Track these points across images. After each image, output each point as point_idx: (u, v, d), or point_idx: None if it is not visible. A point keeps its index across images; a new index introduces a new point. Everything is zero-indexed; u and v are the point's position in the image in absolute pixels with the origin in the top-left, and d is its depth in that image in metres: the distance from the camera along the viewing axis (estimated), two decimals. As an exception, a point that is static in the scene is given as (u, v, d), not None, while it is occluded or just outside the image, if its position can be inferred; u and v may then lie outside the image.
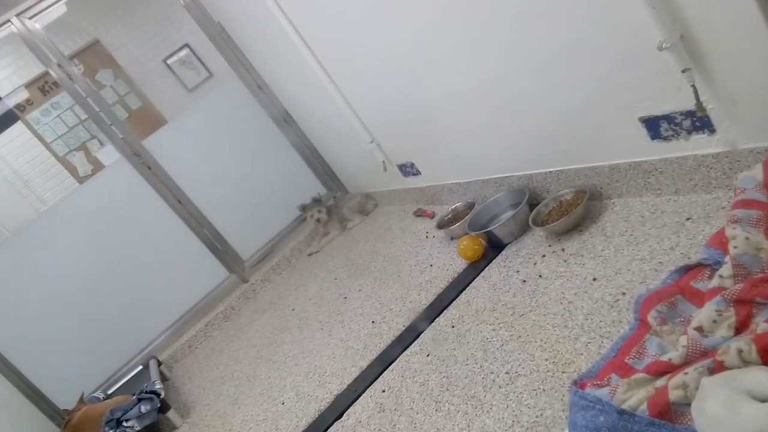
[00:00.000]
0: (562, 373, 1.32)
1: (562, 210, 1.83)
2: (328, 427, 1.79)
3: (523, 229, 1.97)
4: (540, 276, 1.70)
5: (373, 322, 2.18)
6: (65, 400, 2.98)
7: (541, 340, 1.46)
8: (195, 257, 3.43)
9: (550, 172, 1.99)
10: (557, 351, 1.39)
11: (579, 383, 1.01)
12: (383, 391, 1.76)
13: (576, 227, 1.78)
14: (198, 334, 3.34)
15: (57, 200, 3.30)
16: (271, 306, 3.12)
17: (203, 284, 3.47)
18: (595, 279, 1.52)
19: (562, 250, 1.74)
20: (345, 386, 1.94)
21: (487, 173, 2.30)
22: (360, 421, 1.70)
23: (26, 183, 5.43)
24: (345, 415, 1.78)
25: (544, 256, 1.78)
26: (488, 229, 2.00)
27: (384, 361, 1.89)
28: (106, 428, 2.42)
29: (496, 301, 1.75)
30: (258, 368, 2.54)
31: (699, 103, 1.37)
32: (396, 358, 1.85)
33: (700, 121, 1.44)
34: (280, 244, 3.58)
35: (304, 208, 3.57)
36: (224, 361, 2.88)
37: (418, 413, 1.55)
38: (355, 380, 1.93)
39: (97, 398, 2.93)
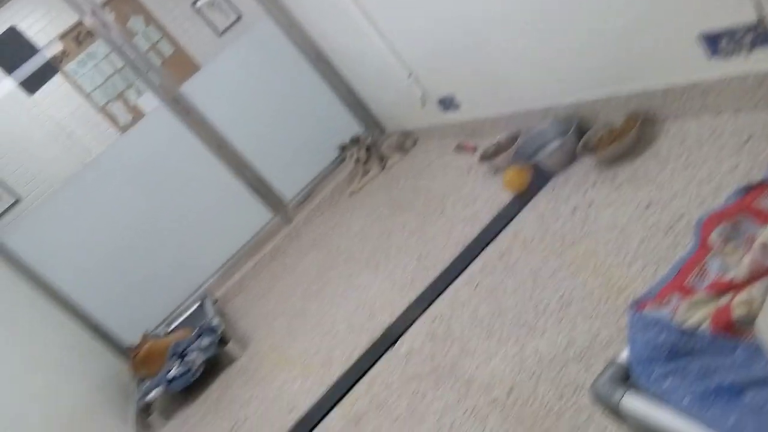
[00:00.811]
0: (616, 298, 1.33)
1: (612, 136, 1.78)
2: (382, 355, 1.87)
3: (572, 159, 1.94)
4: (590, 204, 1.68)
5: (419, 256, 2.22)
6: (130, 338, 3.18)
7: (594, 267, 1.46)
8: (239, 200, 3.50)
9: (599, 98, 1.93)
10: (610, 277, 1.39)
11: (638, 304, 1.02)
12: (434, 321, 1.81)
13: (628, 153, 1.74)
14: (247, 274, 3.46)
15: (100, 151, 3.37)
16: (316, 245, 3.19)
17: (249, 226, 3.56)
18: (649, 204, 1.50)
19: (614, 177, 1.71)
20: (395, 318, 2.00)
21: (532, 102, 2.24)
22: (413, 349, 1.77)
23: (69, 135, 5.56)
24: (397, 344, 1.85)
25: (594, 184, 1.76)
26: (535, 159, 1.97)
27: (433, 293, 1.94)
28: (171, 361, 2.58)
29: (545, 231, 1.75)
30: (308, 304, 2.63)
31: (762, 16, 1.29)
32: (444, 290, 1.89)
33: (762, 36, 1.36)
34: (320, 185, 3.61)
35: (343, 148, 3.58)
36: (275, 299, 2.99)
37: (470, 340, 1.60)
38: (405, 312, 1.98)
39: (158, 334, 3.11)
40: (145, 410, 2.71)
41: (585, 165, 1.88)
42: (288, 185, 3.59)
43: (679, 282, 1.04)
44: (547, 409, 1.23)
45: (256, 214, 3.55)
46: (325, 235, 3.20)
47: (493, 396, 1.36)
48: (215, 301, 3.27)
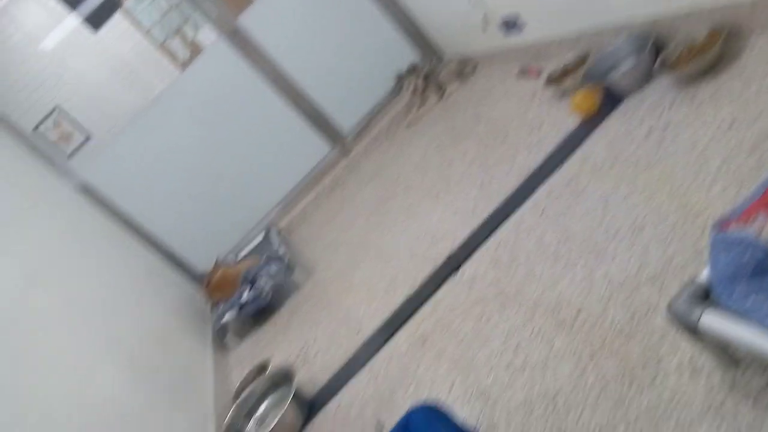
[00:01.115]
0: (693, 222, 1.29)
1: (693, 53, 1.67)
2: (445, 281, 1.90)
3: (647, 78, 1.83)
4: (667, 126, 1.60)
5: (481, 184, 2.20)
6: (202, 266, 3.36)
7: (669, 191, 1.41)
8: (298, 133, 3.53)
9: (679, 11, 1.79)
10: (687, 200, 1.34)
11: (721, 224, 0.98)
12: (497, 247, 1.81)
13: (710, 71, 1.63)
14: (308, 206, 3.55)
15: (163, 87, 3.45)
16: (375, 176, 3.21)
17: (308, 159, 3.61)
18: (732, 124, 1.41)
19: (693, 96, 1.61)
20: (457, 245, 2.02)
21: (603, 19, 2.11)
22: (476, 275, 1.79)
23: (132, 72, 5.69)
24: (461, 270, 1.88)
25: (671, 104, 1.66)
26: (606, 80, 1.87)
27: (496, 221, 1.93)
28: (243, 286, 2.73)
29: (617, 156, 1.69)
30: (369, 233, 2.68)
31: None
32: (508, 217, 1.88)
33: None
34: (378, 116, 3.59)
35: (400, 78, 3.51)
36: (336, 228, 3.06)
37: (535, 266, 1.60)
38: (468, 239, 2.00)
39: (229, 262, 3.27)
40: (220, 332, 2.91)
41: (661, 84, 1.78)
42: (345, 117, 3.59)
43: (766, 200, 1.00)
44: (616, 330, 1.23)
45: (314, 147, 3.59)
46: (384, 166, 3.21)
47: (560, 318, 1.37)
48: (279, 232, 3.39)
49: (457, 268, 1.90)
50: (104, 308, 2.24)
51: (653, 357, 1.12)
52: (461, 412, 1.38)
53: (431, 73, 3.39)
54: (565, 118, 2.06)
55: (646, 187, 1.50)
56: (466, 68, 3.27)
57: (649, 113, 1.71)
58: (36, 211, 2.43)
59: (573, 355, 1.27)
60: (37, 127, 3.14)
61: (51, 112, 3.18)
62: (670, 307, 0.94)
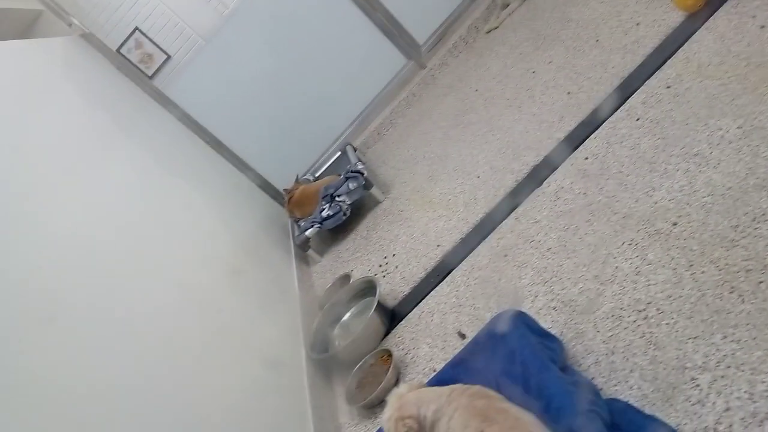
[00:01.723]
0: (817, 122, 1.16)
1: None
2: (529, 195, 1.85)
3: (767, -38, 1.61)
4: (790, 16, 1.42)
5: (568, 93, 2.08)
6: (282, 183, 3.47)
7: (789, 88, 1.27)
8: (373, 46, 3.44)
9: None
10: (811, 98, 1.20)
11: None
12: (586, 158, 1.73)
13: None
14: (384, 122, 3.52)
15: (236, 4, 3.42)
16: (452, 89, 3.11)
17: (383, 73, 3.53)
18: None
19: (825, -20, 1.41)
20: (542, 157, 1.95)
21: None
22: (562, 187, 1.73)
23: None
24: (545, 183, 1.82)
25: (797, -10, 1.46)
26: (717, -32, 1.66)
27: (584, 131, 1.83)
28: (323, 203, 2.80)
29: (725, 53, 1.53)
30: (448, 148, 2.64)
31: None
32: (599, 126, 1.78)
33: None
34: (455, 24, 3.41)
35: (478, -18, 3.30)
36: (413, 144, 3.03)
37: (628, 175, 1.52)
38: (553, 151, 1.92)
39: (308, 179, 3.35)
40: (302, 247, 3.02)
41: (784, -31, 1.56)
42: (421, 26, 3.45)
43: None
44: (718, 238, 1.16)
45: (389, 60, 3.49)
46: (462, 77, 3.10)
47: (654, 228, 1.31)
48: (356, 149, 3.40)
49: (541, 181, 1.84)
50: (198, 222, 2.38)
51: (758, 265, 1.06)
52: (545, 323, 1.38)
53: (513, -25, 3.16)
54: (666, 16, 1.87)
55: (758, 86, 1.36)
56: (551, -33, 3.00)
57: (763, 6, 1.52)
58: (132, 130, 2.56)
59: (668, 266, 1.21)
60: (120, 48, 3.24)
61: (132, 33, 3.26)
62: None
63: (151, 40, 3.34)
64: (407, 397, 1.19)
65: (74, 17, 3.08)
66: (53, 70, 2.33)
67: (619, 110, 1.74)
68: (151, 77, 3.36)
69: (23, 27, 3.01)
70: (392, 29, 3.40)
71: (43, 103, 1.95)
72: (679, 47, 1.70)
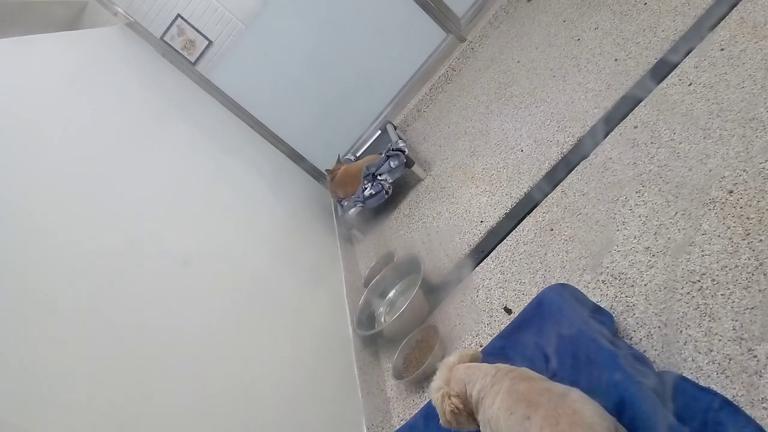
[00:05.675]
0: None
1: None
2: (574, 167, 1.81)
3: None
4: None
5: (615, 59, 2.01)
6: (323, 163, 3.50)
7: None
8: (410, 21, 3.39)
9: None
10: None
11: None
12: (635, 127, 1.67)
13: None
14: (424, 98, 3.48)
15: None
16: (493, 62, 3.04)
17: (422, 49, 3.49)
18: None
19: None
20: (588, 128, 1.90)
21: None
22: (610, 158, 1.68)
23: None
24: (593, 154, 1.77)
25: None
26: None
27: (634, 98, 1.77)
28: (365, 182, 2.81)
29: (786, 10, 1.44)
30: (489, 122, 2.59)
31: None
32: (649, 93, 1.71)
33: None
34: (495, -5, 3.33)
35: (518, -51, 3.20)
36: (454, 120, 3.00)
37: (680, 143, 1.46)
38: (600, 121, 1.86)
39: (350, 159, 3.37)
40: (346, 225, 3.06)
41: None
42: (460, -2, 3.38)
43: None
44: (779, 207, 1.11)
45: (428, 35, 3.44)
46: (503, 49, 3.03)
47: (709, 197, 1.26)
48: (396, 127, 3.39)
49: (587, 153, 1.79)
50: (246, 203, 2.44)
51: (824, 235, 1.01)
52: (593, 296, 1.36)
53: (554, -60, 3.04)
54: (720, -27, 1.77)
55: (825, 44, 1.27)
56: (595, -71, 2.88)
57: (836, -47, 1.42)
58: (180, 116, 2.62)
59: (723, 235, 1.17)
60: (163, 35, 3.31)
61: (174, 20, 3.32)
62: None
63: (192, 26, 3.40)
64: (457, 373, 1.19)
65: (119, 6, 3.16)
66: (106, 58, 2.41)
67: (669, 75, 1.67)
68: (194, 63, 3.43)
69: (71, 17, 3.11)
70: (430, 2, 3.34)
71: (98, 92, 2.02)
72: (733, 7, 1.61)
